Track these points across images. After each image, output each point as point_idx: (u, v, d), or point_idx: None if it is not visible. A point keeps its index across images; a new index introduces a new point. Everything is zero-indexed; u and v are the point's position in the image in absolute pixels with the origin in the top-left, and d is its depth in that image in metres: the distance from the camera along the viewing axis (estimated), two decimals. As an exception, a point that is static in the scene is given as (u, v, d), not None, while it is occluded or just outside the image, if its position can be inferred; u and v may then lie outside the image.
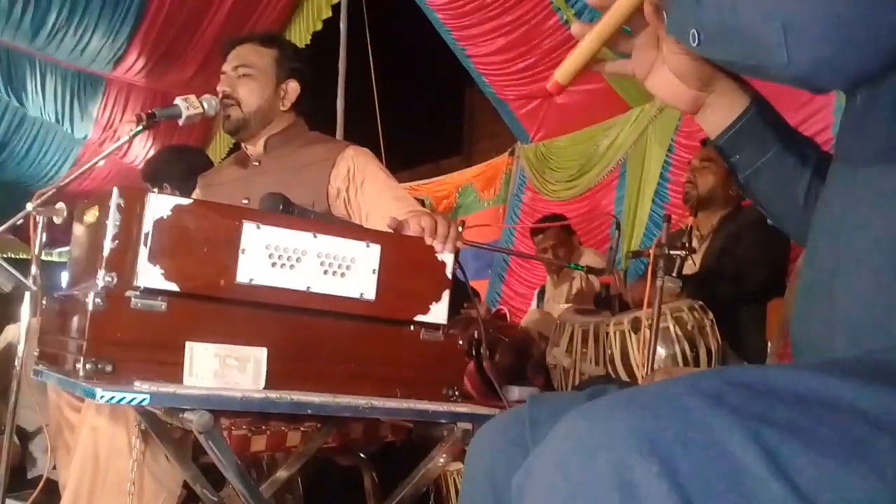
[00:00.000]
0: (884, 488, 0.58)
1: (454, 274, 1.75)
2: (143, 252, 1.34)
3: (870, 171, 0.81)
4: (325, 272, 1.48)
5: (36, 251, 2.21)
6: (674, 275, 2.26)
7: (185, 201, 1.39)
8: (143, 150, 7.25)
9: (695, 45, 0.81)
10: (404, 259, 1.57)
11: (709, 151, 2.95)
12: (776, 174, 1.01)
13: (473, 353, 2.89)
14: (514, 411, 1.01)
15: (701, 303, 2.44)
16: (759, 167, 1.01)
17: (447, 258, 1.62)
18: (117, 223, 1.35)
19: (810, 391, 0.63)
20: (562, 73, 1.01)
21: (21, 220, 2.23)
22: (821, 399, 0.62)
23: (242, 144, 2.20)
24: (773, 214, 1.07)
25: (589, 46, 0.99)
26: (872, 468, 0.58)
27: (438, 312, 1.61)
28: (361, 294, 1.51)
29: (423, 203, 4.40)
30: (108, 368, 1.28)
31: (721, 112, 1.00)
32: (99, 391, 1.18)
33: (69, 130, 7.21)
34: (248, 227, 1.43)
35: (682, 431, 0.59)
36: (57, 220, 2.20)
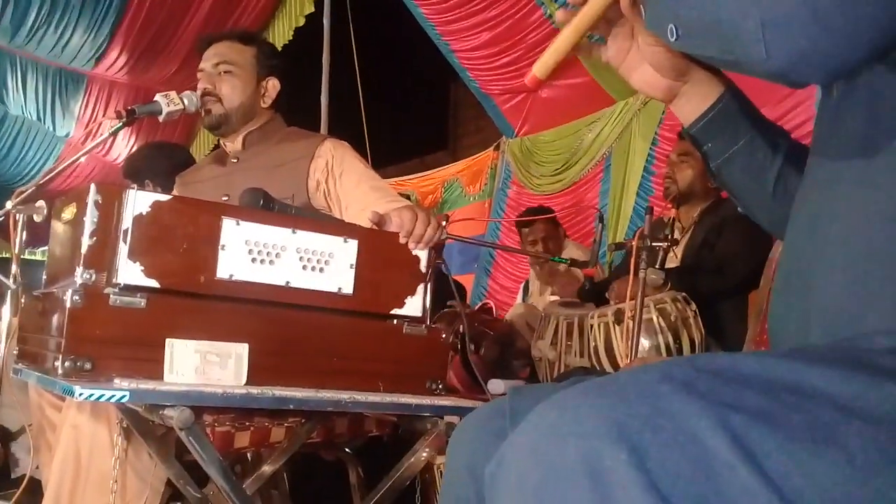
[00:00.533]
0: (853, 473, 0.58)
1: (438, 269, 1.75)
2: (123, 248, 1.34)
3: (846, 164, 0.82)
4: (304, 267, 1.48)
5: (16, 250, 2.19)
6: (657, 267, 2.27)
7: (165, 197, 1.39)
8: (125, 147, 7.21)
9: (672, 39, 0.81)
10: (381, 254, 1.58)
11: (686, 145, 2.96)
12: (747, 163, 1.02)
13: (459, 346, 2.90)
14: (494, 403, 1.01)
15: (684, 294, 2.45)
16: (730, 155, 1.02)
17: (421, 253, 1.63)
18: (95, 220, 1.35)
19: (779, 378, 0.63)
20: (540, 67, 1.01)
21: (1, 219, 2.21)
22: (790, 385, 0.63)
23: (221, 142, 2.20)
24: (744, 203, 1.09)
25: (566, 41, 0.99)
26: (842, 453, 0.59)
27: (414, 306, 1.62)
28: (339, 288, 1.52)
29: (408, 198, 4.40)
30: (88, 366, 1.27)
31: (694, 101, 1.01)
32: (77, 389, 1.17)
33: (51, 128, 7.16)
34: (228, 224, 1.42)
35: (650, 418, 0.59)
36: (37, 218, 2.18)
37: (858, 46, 0.71)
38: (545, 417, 0.63)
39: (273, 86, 2.17)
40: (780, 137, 1.03)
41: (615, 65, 1.02)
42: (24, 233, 2.23)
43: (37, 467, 2.17)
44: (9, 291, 2.11)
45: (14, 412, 2.94)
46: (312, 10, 6.39)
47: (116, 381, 1.26)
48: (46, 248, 1.70)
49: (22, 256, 2.26)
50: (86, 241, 1.34)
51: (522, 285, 4.76)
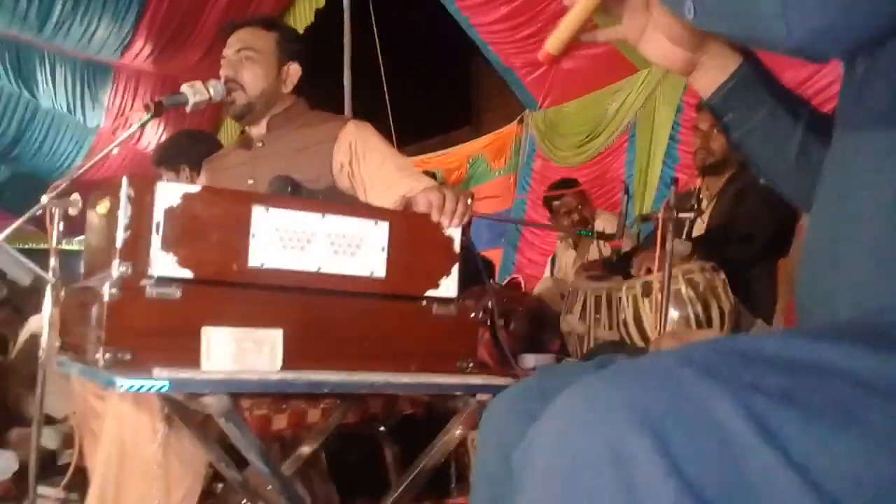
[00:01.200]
0: (876, 450, 0.59)
1: (466, 246, 1.77)
2: (156, 240, 1.36)
3: (872, 135, 0.81)
4: (336, 252, 1.50)
5: (54, 243, 2.24)
6: (683, 237, 2.26)
7: (194, 189, 1.41)
8: (155, 136, 7.28)
9: (690, 17, 0.81)
10: (412, 235, 1.59)
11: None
12: (768, 133, 1.02)
13: (489, 322, 2.92)
14: (524, 383, 1.03)
15: (713, 263, 2.44)
16: (751, 126, 1.02)
17: (454, 233, 1.63)
18: (128, 213, 1.37)
19: (801, 357, 0.64)
20: (553, 43, 1.01)
21: (39, 212, 2.26)
22: (811, 365, 0.63)
23: (245, 127, 2.22)
24: (766, 174, 1.08)
25: (578, 15, 0.99)
26: (864, 431, 0.59)
27: (449, 287, 1.63)
28: (372, 272, 1.53)
29: (434, 176, 4.40)
30: (128, 357, 1.31)
31: (713, 72, 1.01)
32: (119, 380, 1.21)
33: (81, 120, 7.24)
34: (257, 211, 1.44)
35: (672, 403, 0.60)
36: (72, 211, 2.23)
37: (878, 20, 0.71)
38: (570, 405, 0.65)
39: (294, 71, 2.18)
40: (800, 107, 1.02)
41: (631, 40, 1.02)
42: (61, 224, 2.27)
43: (79, 454, 2.23)
44: (49, 284, 2.16)
45: (59, 400, 3.02)
46: (332, -8, 6.37)
47: (156, 370, 1.29)
48: (83, 237, 1.74)
49: (60, 247, 2.31)
50: (120, 235, 1.37)
51: (550, 259, 4.76)
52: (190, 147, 3.17)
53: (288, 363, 1.43)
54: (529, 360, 2.67)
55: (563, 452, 0.63)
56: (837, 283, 0.81)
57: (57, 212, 2.19)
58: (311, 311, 1.49)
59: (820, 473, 0.58)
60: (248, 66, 2.10)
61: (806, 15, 0.71)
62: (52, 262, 2.18)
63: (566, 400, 0.66)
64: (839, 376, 0.62)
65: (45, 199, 2.17)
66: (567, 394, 0.66)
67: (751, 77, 1.00)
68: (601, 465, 0.60)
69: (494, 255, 6.57)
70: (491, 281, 4.24)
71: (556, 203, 4.34)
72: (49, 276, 2.14)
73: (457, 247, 1.65)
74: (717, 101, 1.02)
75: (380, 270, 1.54)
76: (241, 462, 1.85)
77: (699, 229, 2.78)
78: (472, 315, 1.69)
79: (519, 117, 6.75)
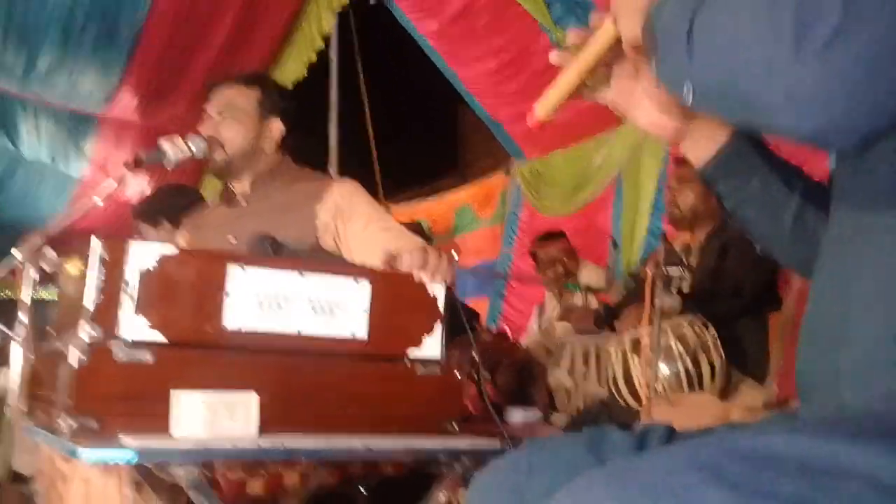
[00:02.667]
0: None
1: (452, 299, 1.72)
2: (128, 304, 1.32)
3: (875, 214, 0.78)
4: (315, 312, 1.45)
5: (25, 299, 2.17)
6: (673, 291, 2.23)
7: (171, 251, 1.37)
8: (138, 186, 7.24)
9: (689, 101, 0.77)
10: (395, 295, 1.55)
11: (682, 170, 2.96)
12: (762, 202, 0.99)
13: (476, 374, 2.86)
14: (512, 457, 0.98)
15: (702, 319, 2.41)
16: (744, 196, 0.99)
17: (439, 291, 1.59)
18: (100, 274, 1.33)
19: (815, 458, 0.59)
20: (542, 109, 0.99)
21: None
22: (827, 467, 0.59)
23: (229, 183, 2.18)
24: (761, 241, 1.05)
25: (568, 81, 0.97)
26: None
27: (433, 346, 1.58)
28: (353, 334, 1.49)
29: (420, 226, 4.38)
30: (94, 425, 1.26)
31: (703, 143, 0.98)
32: (83, 452, 1.15)
33: (64, 170, 7.18)
34: (233, 270, 1.40)
35: None
36: (48, 268, 2.17)
37: (890, 111, 0.67)
38: None
39: (277, 128, 2.14)
40: (794, 175, 1.00)
41: (619, 108, 1.00)
42: (35, 283, 2.21)
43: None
44: (13, 342, 2.09)
45: (31, 457, 2.92)
46: (323, 46, 6.41)
47: (122, 438, 1.24)
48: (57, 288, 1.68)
49: (32, 296, 2.24)
50: (91, 297, 1.32)
51: (536, 308, 4.72)
52: (170, 202, 3.16)
53: (264, 427, 1.37)
54: (517, 414, 2.61)
55: None
56: (842, 364, 0.77)
57: (30, 269, 2.13)
58: (289, 373, 1.44)
59: None
60: (229, 124, 2.07)
61: (814, 110, 0.66)
62: (22, 317, 2.11)
63: (563, 501, 0.60)
64: (858, 479, 0.57)
65: (16, 253, 2.11)
66: (565, 493, 0.61)
67: (742, 147, 0.97)
68: None
69: (480, 304, 6.53)
70: (477, 330, 4.19)
71: (540, 254, 4.32)
72: (16, 333, 2.07)
73: (441, 305, 1.61)
74: (709, 172, 0.99)
75: (361, 331, 1.50)
76: (215, 529, 1.77)
77: (686, 286, 2.76)
78: (459, 376, 1.64)
79: (506, 167, 6.77)
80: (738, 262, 2.66)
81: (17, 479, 2.97)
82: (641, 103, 0.96)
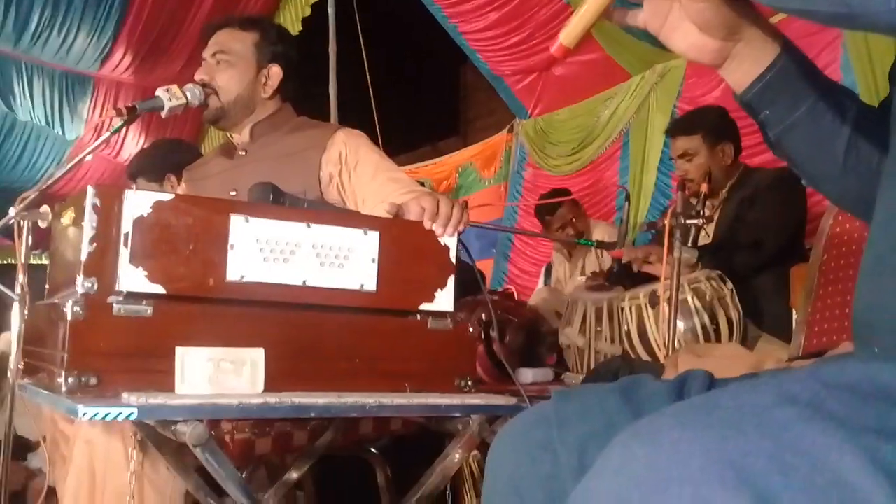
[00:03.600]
0: None
1: (459, 256, 1.65)
2: (124, 254, 1.25)
3: None
4: (322, 264, 1.38)
5: (21, 259, 2.11)
6: (689, 245, 2.15)
7: (166, 197, 1.30)
8: (136, 146, 7.14)
9: None
10: (405, 245, 1.48)
11: (679, 143, 2.92)
12: (811, 130, 0.90)
13: (483, 335, 2.80)
14: (537, 410, 0.91)
15: (719, 272, 2.33)
16: (791, 123, 0.89)
17: (450, 242, 1.52)
18: (94, 225, 1.26)
19: None
20: (568, 35, 0.90)
21: (9, 224, 2.13)
22: None
23: (228, 134, 2.10)
24: (809, 174, 0.96)
25: (595, 5, 0.88)
26: None
27: (444, 300, 1.52)
28: (362, 285, 1.42)
29: (422, 185, 4.29)
30: (93, 381, 1.19)
31: (747, 64, 0.89)
32: (82, 408, 1.09)
33: (60, 132, 7.09)
34: (237, 221, 1.33)
35: (776, 455, 0.47)
36: (42, 224, 2.09)
37: None
38: (632, 457, 0.50)
39: (275, 74, 2.04)
40: (846, 99, 0.90)
41: (653, 29, 0.90)
42: (31, 239, 2.14)
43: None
44: (15, 301, 2.02)
45: (32, 421, 2.88)
46: (318, -1, 6.27)
47: (125, 395, 1.18)
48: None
49: (33, 262, 2.18)
50: (85, 248, 1.25)
51: (544, 269, 4.65)
52: (173, 154, 3.03)
53: (271, 385, 1.30)
54: (527, 374, 2.55)
55: None
56: None
57: (25, 224, 2.06)
58: (296, 327, 1.37)
59: None
60: (223, 69, 1.97)
61: None
62: (20, 277, 2.05)
63: (627, 448, 0.51)
64: None
65: (12, 210, 2.03)
66: (626, 440, 0.52)
67: (791, 68, 0.88)
68: None
69: (485, 265, 6.47)
70: (486, 291, 4.12)
71: (548, 217, 4.22)
72: (15, 292, 2.00)
73: (453, 257, 1.54)
74: (753, 96, 0.90)
75: (370, 283, 1.43)
76: (221, 489, 1.72)
77: (704, 238, 2.68)
78: (471, 329, 1.57)
79: (509, 126, 6.66)
80: (762, 214, 2.59)
81: (21, 443, 2.93)
82: (679, 24, 0.88)
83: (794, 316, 2.04)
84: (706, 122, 2.96)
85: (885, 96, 0.93)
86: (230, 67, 1.98)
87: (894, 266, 0.74)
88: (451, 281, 1.52)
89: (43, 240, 2.17)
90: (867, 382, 0.52)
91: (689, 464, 0.48)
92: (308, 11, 6.56)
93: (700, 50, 0.89)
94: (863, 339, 0.78)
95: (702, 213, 2.08)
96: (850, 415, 0.49)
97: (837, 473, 0.46)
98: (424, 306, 1.49)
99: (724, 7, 0.84)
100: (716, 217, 2.76)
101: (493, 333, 2.90)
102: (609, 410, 0.83)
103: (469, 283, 2.52)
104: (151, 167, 3.11)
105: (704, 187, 2.29)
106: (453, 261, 1.53)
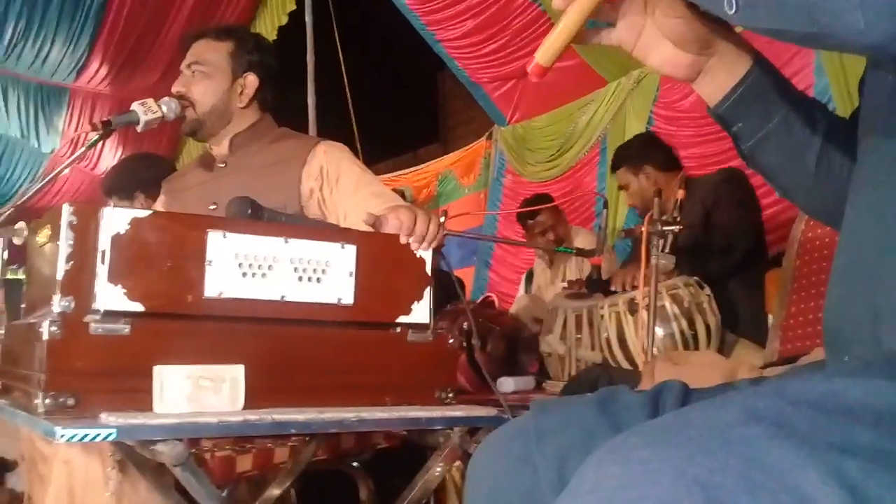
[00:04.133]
0: None
1: (437, 264, 1.65)
2: (102, 271, 1.24)
3: None
4: (300, 279, 1.38)
5: (-3, 275, 2.09)
6: (666, 251, 2.17)
7: (143, 213, 1.29)
8: (113, 159, 7.10)
9: (731, 12, 0.69)
10: (382, 258, 1.48)
11: (617, 180, 3.10)
12: (783, 142, 0.91)
13: (464, 344, 2.80)
14: (517, 423, 0.91)
15: (696, 278, 2.35)
16: (764, 135, 0.91)
17: (426, 255, 1.53)
18: (71, 242, 1.25)
19: (890, 405, 0.52)
20: (543, 54, 0.91)
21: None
22: None
23: (207, 145, 2.09)
24: (782, 185, 0.97)
25: (570, 23, 0.89)
26: None
27: (421, 312, 1.52)
28: (339, 299, 1.42)
29: (402, 194, 4.29)
30: (71, 402, 1.18)
31: (720, 77, 0.90)
32: (59, 430, 1.08)
33: (36, 145, 7.04)
34: (214, 237, 1.32)
35: (743, 473, 0.48)
36: (17, 241, 2.07)
37: None
38: (605, 475, 0.52)
39: (251, 83, 2.03)
40: (817, 111, 0.92)
41: (627, 46, 0.91)
42: (7, 254, 2.12)
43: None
44: (-11, 319, 2.00)
45: (10, 441, 2.84)
46: (294, 7, 6.27)
47: (103, 416, 1.17)
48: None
49: (10, 277, 2.16)
50: (62, 266, 1.24)
51: (524, 275, 4.66)
52: (143, 171, 3.00)
53: (251, 401, 1.30)
54: (508, 383, 2.55)
55: None
56: (881, 301, 0.71)
57: (1, 242, 2.04)
58: (275, 343, 1.37)
59: None
60: (199, 80, 1.97)
61: (891, 4, 0.58)
62: (-4, 294, 2.03)
63: (600, 466, 0.53)
64: None
65: (-14, 227, 2.01)
66: (600, 458, 0.53)
67: (762, 81, 0.89)
68: None
69: (466, 273, 6.48)
70: (465, 300, 4.12)
71: (529, 222, 4.24)
72: (-11, 310, 1.98)
73: (429, 269, 1.54)
74: (726, 110, 0.91)
75: (348, 297, 1.43)
76: (203, 508, 1.71)
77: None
78: (451, 341, 1.58)
79: (488, 133, 6.69)
80: (727, 217, 2.64)
81: (3, 465, 2.89)
82: (653, 39, 0.89)
83: (770, 320, 2.07)
84: (624, 155, 3.16)
85: (856, 107, 0.95)
86: (205, 78, 1.97)
87: (863, 275, 0.75)
88: (427, 293, 1.52)
89: (19, 255, 2.15)
90: (831, 399, 0.53)
91: (659, 482, 0.49)
92: (285, 20, 6.56)
93: (674, 64, 0.90)
94: (833, 347, 0.79)
95: (678, 219, 2.10)
96: (815, 432, 0.50)
97: (802, 490, 0.47)
98: (402, 318, 1.49)
99: (697, 22, 0.86)
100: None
101: (475, 342, 2.91)
102: (587, 423, 0.84)
103: (449, 291, 2.53)
104: (122, 185, 3.08)
105: (681, 193, 2.31)
106: (429, 273, 1.53)
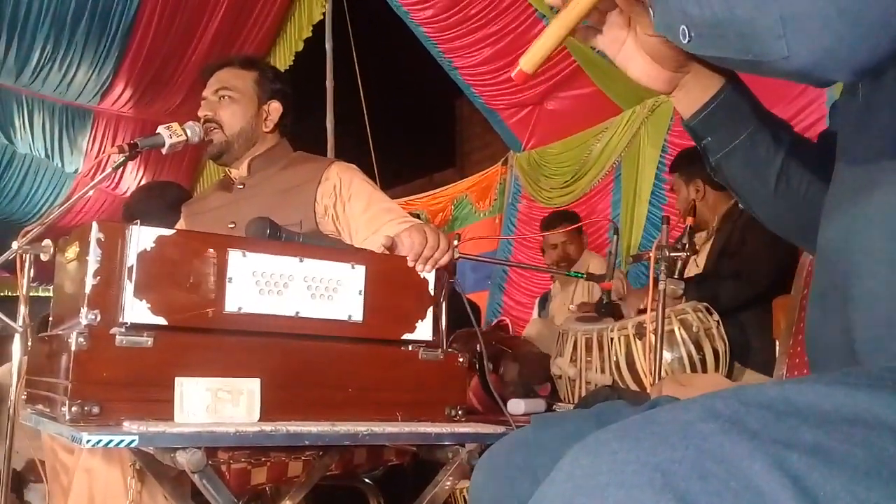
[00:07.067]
0: None
1: (452, 288, 1.71)
2: (129, 287, 1.30)
3: (879, 166, 0.77)
4: (313, 296, 1.44)
5: (24, 291, 2.16)
6: (675, 277, 2.21)
7: (168, 232, 1.35)
8: (134, 181, 7.22)
9: (685, 42, 0.76)
10: (388, 278, 1.55)
11: (673, 181, 3.11)
12: (748, 157, 0.97)
13: (477, 367, 2.84)
14: (518, 435, 0.96)
15: (706, 304, 2.39)
16: (730, 150, 0.96)
17: (429, 276, 1.59)
18: (98, 258, 1.31)
19: (837, 408, 0.57)
20: (528, 61, 0.96)
21: (10, 258, 2.18)
22: (849, 416, 0.57)
23: (226, 169, 2.17)
24: (744, 198, 1.03)
25: (554, 34, 0.94)
26: None
27: (424, 330, 1.58)
28: (350, 316, 1.48)
29: (417, 217, 4.35)
30: (95, 410, 1.24)
31: (695, 93, 0.96)
32: (85, 436, 1.13)
33: (59, 165, 7.17)
34: (234, 256, 1.39)
35: (698, 462, 0.53)
36: (44, 257, 2.15)
37: (888, 40, 0.65)
38: (578, 466, 0.58)
39: (275, 109, 2.13)
40: (782, 131, 0.98)
41: (611, 55, 0.97)
42: (32, 271, 2.20)
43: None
44: (17, 334, 2.07)
45: (27, 456, 2.90)
46: (310, 34, 6.39)
47: (126, 424, 1.22)
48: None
49: (32, 294, 2.23)
50: (90, 281, 1.30)
51: (538, 300, 4.70)
52: (150, 201, 3.06)
53: (266, 413, 1.35)
54: (519, 405, 2.59)
55: None
56: (852, 321, 0.76)
57: (28, 258, 2.11)
58: (290, 357, 1.43)
59: None
60: (227, 105, 2.06)
61: (808, 34, 0.65)
62: (22, 309, 2.10)
63: (575, 458, 0.58)
64: (882, 430, 0.56)
65: (15, 244, 2.09)
66: (576, 452, 0.59)
67: (732, 99, 0.95)
68: None
69: (480, 297, 6.51)
70: (478, 324, 4.16)
71: (548, 230, 4.29)
72: (18, 324, 2.05)
73: (432, 289, 1.60)
74: (697, 123, 0.97)
75: (357, 314, 1.49)
76: (218, 519, 1.76)
77: (693, 269, 2.74)
78: (461, 360, 1.63)
79: (503, 158, 6.75)
80: (752, 248, 2.62)
81: (17, 478, 2.95)
82: (633, 53, 0.94)
83: (777, 347, 2.09)
84: (681, 161, 3.13)
85: (823, 130, 1.00)
86: (233, 103, 2.06)
87: (834, 299, 0.80)
88: (430, 312, 1.59)
89: (41, 272, 2.22)
90: (782, 402, 0.58)
91: (623, 470, 0.55)
92: (301, 46, 6.68)
93: (652, 78, 0.95)
94: (816, 365, 0.84)
95: (686, 245, 2.14)
96: (764, 429, 0.55)
97: (748, 478, 0.52)
98: (407, 336, 1.56)
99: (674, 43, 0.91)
100: (706, 249, 2.81)
101: (487, 365, 2.95)
102: (584, 434, 0.88)
103: (464, 315, 2.58)
104: (140, 215, 3.15)
105: (689, 220, 2.35)
106: (432, 293, 1.59)
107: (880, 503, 0.52)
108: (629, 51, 0.94)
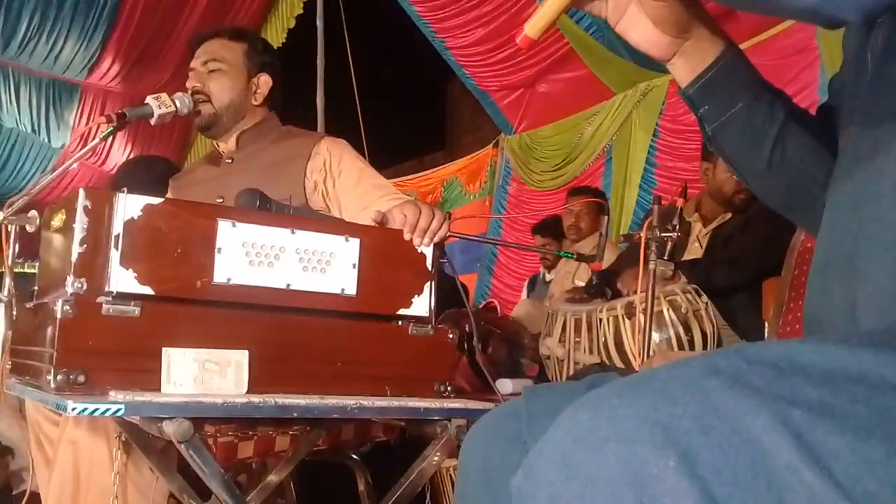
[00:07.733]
0: None
1: (441, 269, 1.69)
2: (115, 255, 1.28)
3: (893, 135, 0.76)
4: (305, 268, 1.42)
5: (9, 262, 2.13)
6: (665, 258, 2.21)
7: (156, 200, 1.33)
8: (122, 155, 7.15)
9: None
10: (384, 252, 1.52)
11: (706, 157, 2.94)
12: (744, 128, 0.96)
13: (465, 346, 2.84)
14: (508, 406, 0.95)
15: (695, 286, 2.39)
16: (726, 119, 0.95)
17: (427, 250, 1.57)
18: (85, 226, 1.29)
19: (841, 367, 0.56)
20: (534, 26, 0.94)
21: (-6, 230, 2.15)
22: (853, 375, 0.56)
23: (214, 142, 2.14)
24: (738, 170, 1.02)
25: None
26: None
27: (421, 305, 1.56)
28: (343, 289, 1.46)
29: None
30: (81, 379, 1.22)
31: (694, 60, 0.95)
32: (70, 403, 1.12)
33: (46, 140, 7.10)
34: (224, 226, 1.37)
35: (700, 417, 0.53)
36: (29, 228, 2.11)
37: None
38: (577, 421, 0.57)
39: (264, 82, 2.10)
40: (780, 101, 0.97)
41: (612, 20, 0.95)
42: (17, 245, 2.17)
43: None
44: (1, 304, 2.04)
45: (13, 427, 2.88)
46: (301, 11, 6.33)
47: (112, 393, 1.21)
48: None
49: (17, 270, 2.20)
50: (76, 249, 1.28)
51: (527, 282, 4.70)
52: (136, 175, 3.02)
53: (254, 386, 1.34)
54: (507, 384, 2.59)
55: (572, 476, 0.55)
56: (857, 292, 0.75)
57: (13, 229, 2.08)
58: (280, 330, 1.41)
59: (869, 498, 0.50)
60: (215, 77, 2.02)
61: None
62: (7, 280, 2.07)
63: (572, 415, 0.57)
64: (886, 388, 0.55)
65: (0, 215, 2.06)
66: (574, 409, 0.58)
67: (731, 67, 0.94)
68: (618, 490, 0.52)
69: (469, 279, 6.51)
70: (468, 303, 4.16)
71: (570, 199, 4.29)
72: (2, 295, 2.02)
73: (430, 264, 1.58)
74: (694, 91, 0.96)
75: (350, 288, 1.47)
76: (204, 492, 1.75)
77: (696, 252, 2.73)
78: (451, 336, 1.62)
79: (494, 141, 6.74)
80: (750, 238, 2.60)
81: (4, 450, 2.94)
82: (636, 18, 0.93)
83: (766, 329, 2.10)
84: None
85: (822, 103, 1.00)
86: (223, 75, 2.03)
87: (841, 264, 0.79)
88: (427, 287, 1.56)
89: (26, 248, 2.19)
90: (785, 360, 0.57)
91: (624, 426, 0.54)
92: (293, 23, 6.62)
93: (653, 44, 0.94)
94: (814, 333, 0.83)
95: (676, 227, 2.13)
96: (767, 386, 0.55)
97: (751, 433, 0.52)
98: (402, 311, 1.53)
99: (679, 6, 0.90)
100: (706, 241, 2.77)
101: (476, 344, 2.95)
102: (576, 403, 0.87)
103: (452, 294, 2.57)
104: (127, 188, 3.11)
105: (679, 202, 2.34)
106: (430, 268, 1.57)
107: (883, 461, 0.51)
108: (632, 16, 0.93)
